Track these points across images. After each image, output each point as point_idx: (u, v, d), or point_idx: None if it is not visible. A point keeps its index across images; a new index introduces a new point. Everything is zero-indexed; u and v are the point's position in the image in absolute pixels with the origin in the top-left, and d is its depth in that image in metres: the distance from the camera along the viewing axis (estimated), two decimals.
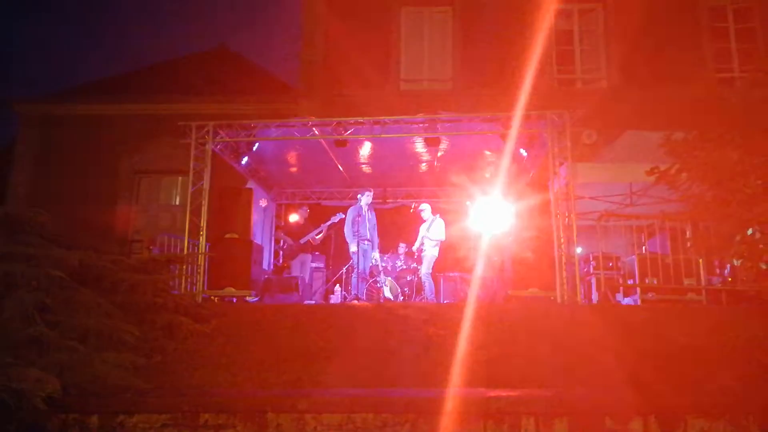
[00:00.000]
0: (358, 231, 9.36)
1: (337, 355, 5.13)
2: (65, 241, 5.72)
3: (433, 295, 9.37)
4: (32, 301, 4.67)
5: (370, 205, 9.73)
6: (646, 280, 7.83)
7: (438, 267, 9.98)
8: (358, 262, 9.34)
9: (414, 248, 9.99)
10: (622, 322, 5.82)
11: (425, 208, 9.96)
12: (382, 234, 10.44)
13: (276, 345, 5.37)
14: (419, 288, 9.89)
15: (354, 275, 9.51)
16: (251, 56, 16.38)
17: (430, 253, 9.60)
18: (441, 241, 9.74)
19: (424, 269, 9.53)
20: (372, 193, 9.78)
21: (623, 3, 12.37)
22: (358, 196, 9.67)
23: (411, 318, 6.01)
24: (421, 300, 9.57)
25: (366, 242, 9.41)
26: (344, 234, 9.81)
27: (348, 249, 9.86)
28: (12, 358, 4.04)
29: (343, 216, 9.87)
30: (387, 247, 10.88)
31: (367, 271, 9.67)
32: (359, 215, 9.47)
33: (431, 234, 9.60)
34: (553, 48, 12.56)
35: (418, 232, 10.02)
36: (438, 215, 9.99)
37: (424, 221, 9.86)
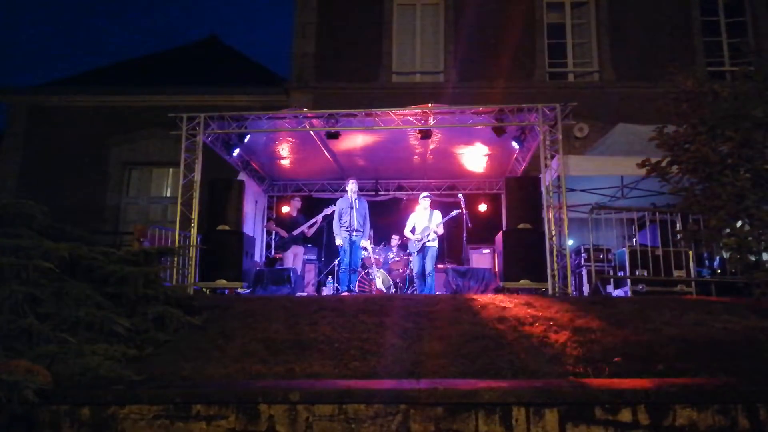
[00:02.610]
0: (345, 222, 9.15)
1: (329, 346, 5.15)
2: (55, 232, 5.69)
3: (432, 289, 9.19)
4: (22, 293, 4.65)
5: (359, 194, 9.55)
6: (636, 272, 7.90)
7: None
8: (343, 257, 9.21)
9: (422, 236, 9.26)
10: (612, 314, 5.88)
11: (426, 198, 9.54)
12: (375, 226, 10.37)
13: (268, 337, 5.38)
14: (411, 280, 9.87)
15: (341, 270, 9.38)
16: (242, 48, 16.27)
17: (434, 246, 9.24)
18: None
19: (430, 265, 9.15)
20: (356, 182, 9.41)
21: None
22: (345, 187, 9.49)
23: (403, 309, 6.03)
24: (412, 292, 9.58)
25: (355, 233, 9.14)
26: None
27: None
28: (2, 350, 4.01)
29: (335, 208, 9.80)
30: (380, 238, 10.88)
31: (358, 263, 9.55)
32: (347, 206, 9.27)
33: (434, 225, 9.22)
34: (545, 41, 12.59)
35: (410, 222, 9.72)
36: (436, 209, 9.65)
37: (423, 210, 9.41)
